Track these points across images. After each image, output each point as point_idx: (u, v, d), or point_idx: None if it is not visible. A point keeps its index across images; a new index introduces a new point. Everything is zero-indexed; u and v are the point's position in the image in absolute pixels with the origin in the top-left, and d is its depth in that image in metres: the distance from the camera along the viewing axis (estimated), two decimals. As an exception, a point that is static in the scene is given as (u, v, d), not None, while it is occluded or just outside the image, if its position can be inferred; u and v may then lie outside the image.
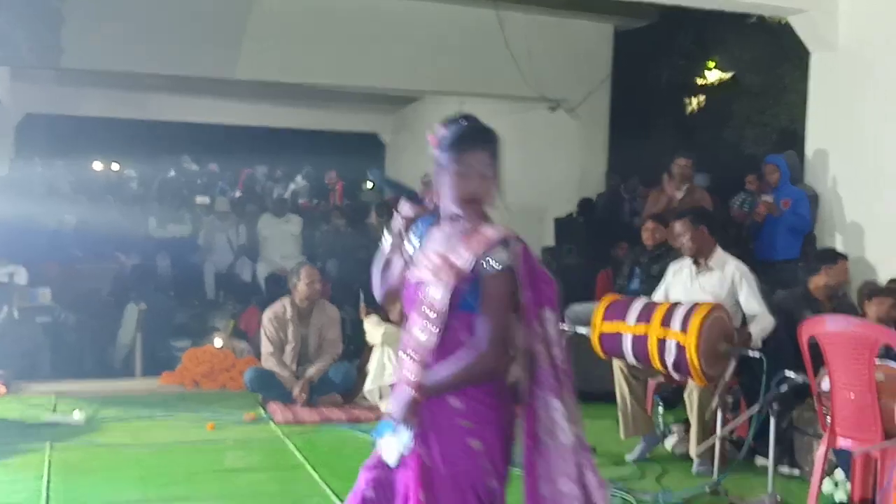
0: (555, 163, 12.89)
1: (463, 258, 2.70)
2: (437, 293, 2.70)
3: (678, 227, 6.01)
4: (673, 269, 6.18)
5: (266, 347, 7.19)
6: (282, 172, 16.64)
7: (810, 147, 8.24)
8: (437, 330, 2.69)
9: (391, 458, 2.70)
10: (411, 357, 2.73)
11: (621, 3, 9.62)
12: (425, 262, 2.78)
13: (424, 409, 2.68)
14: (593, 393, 6.95)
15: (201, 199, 12.57)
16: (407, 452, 2.68)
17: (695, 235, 5.90)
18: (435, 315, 2.69)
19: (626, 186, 10.98)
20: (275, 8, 11.22)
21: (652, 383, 6.05)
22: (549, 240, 12.03)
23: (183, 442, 6.03)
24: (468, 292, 2.68)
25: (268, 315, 7.25)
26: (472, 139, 2.80)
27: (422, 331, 2.72)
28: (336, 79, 12.30)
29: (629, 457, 5.91)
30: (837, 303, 5.95)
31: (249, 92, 15.45)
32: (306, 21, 11.30)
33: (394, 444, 2.68)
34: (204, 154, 17.73)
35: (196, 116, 17.62)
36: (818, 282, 5.92)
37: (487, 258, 2.68)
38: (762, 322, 5.67)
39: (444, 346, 2.70)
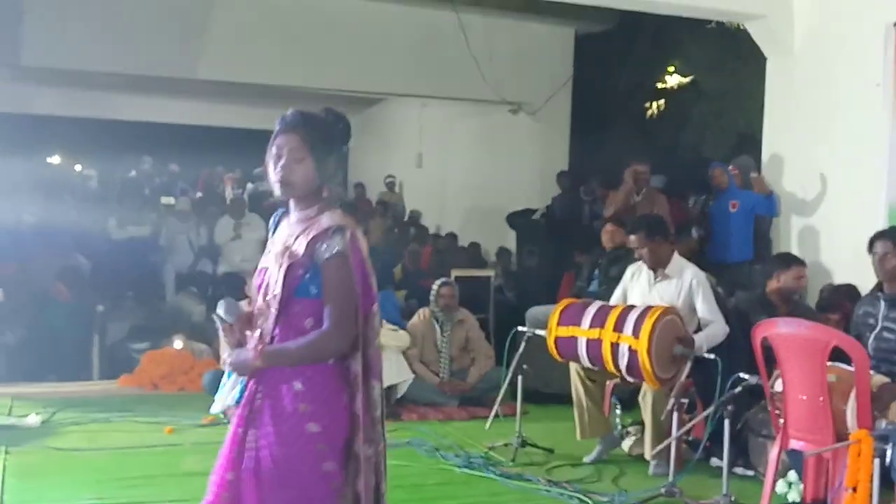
0: (516, 165, 12.97)
1: (298, 243, 2.82)
2: (274, 276, 2.84)
3: (634, 240, 6.07)
4: (631, 270, 6.22)
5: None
6: (243, 173, 16.55)
7: (767, 151, 8.35)
8: (276, 312, 2.81)
9: (218, 406, 2.90)
10: (256, 340, 2.86)
11: (581, 8, 9.69)
12: (272, 249, 2.94)
13: (265, 396, 2.81)
14: (552, 394, 7.04)
15: (166, 200, 12.47)
16: (233, 404, 2.90)
17: (652, 248, 5.96)
18: (273, 298, 2.82)
19: (586, 189, 11.05)
20: (237, 8, 11.20)
21: (609, 385, 6.10)
22: (511, 241, 12.09)
23: (140, 445, 5.98)
24: (307, 278, 2.80)
25: (227, 317, 7.21)
26: (282, 123, 2.89)
27: (264, 315, 2.85)
28: (298, 80, 12.26)
29: (587, 458, 5.97)
30: (793, 306, 6.02)
31: (212, 92, 15.36)
32: (268, 22, 11.27)
33: (227, 392, 2.84)
34: (165, 154, 17.58)
35: (157, 116, 17.49)
36: (772, 286, 6.00)
37: (321, 244, 2.78)
38: (712, 330, 5.74)
39: (286, 331, 2.82)
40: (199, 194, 13.91)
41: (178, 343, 8.13)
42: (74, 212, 11.50)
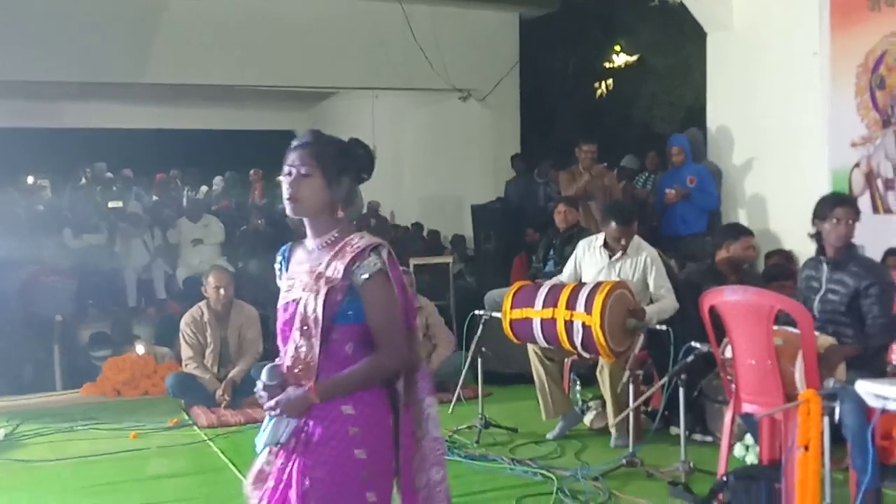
0: (469, 151, 13.04)
1: (332, 268, 2.70)
2: (311, 304, 2.70)
3: (624, 230, 6.03)
4: (583, 246, 6.29)
5: (185, 352, 7.16)
6: (197, 174, 16.43)
7: (712, 124, 8.48)
8: (318, 341, 2.69)
9: (260, 444, 2.76)
10: (298, 374, 2.74)
11: (524, -9, 9.77)
12: (295, 281, 2.79)
13: (315, 419, 2.70)
14: (512, 375, 7.12)
15: (114, 203, 12.37)
16: (278, 443, 2.74)
17: (632, 233, 6.07)
18: (312, 326, 2.70)
19: (540, 171, 11.13)
20: (184, 10, 11.13)
21: (567, 362, 6.19)
22: (467, 227, 12.15)
23: (105, 453, 5.94)
24: (345, 303, 2.70)
25: (185, 320, 7.23)
26: (294, 143, 2.79)
27: (302, 346, 2.72)
28: (246, 79, 12.24)
29: (550, 435, 6.05)
30: (742, 275, 6.13)
31: (162, 94, 15.25)
32: (214, 22, 11.22)
33: (271, 433, 2.73)
34: (118, 160, 17.42)
35: (109, 122, 17.33)
36: (721, 255, 6.10)
37: (359, 265, 2.68)
38: (662, 304, 5.89)
39: (328, 360, 2.71)
40: (154, 198, 13.81)
41: (139, 348, 8.12)
42: (30, 223, 11.39)
